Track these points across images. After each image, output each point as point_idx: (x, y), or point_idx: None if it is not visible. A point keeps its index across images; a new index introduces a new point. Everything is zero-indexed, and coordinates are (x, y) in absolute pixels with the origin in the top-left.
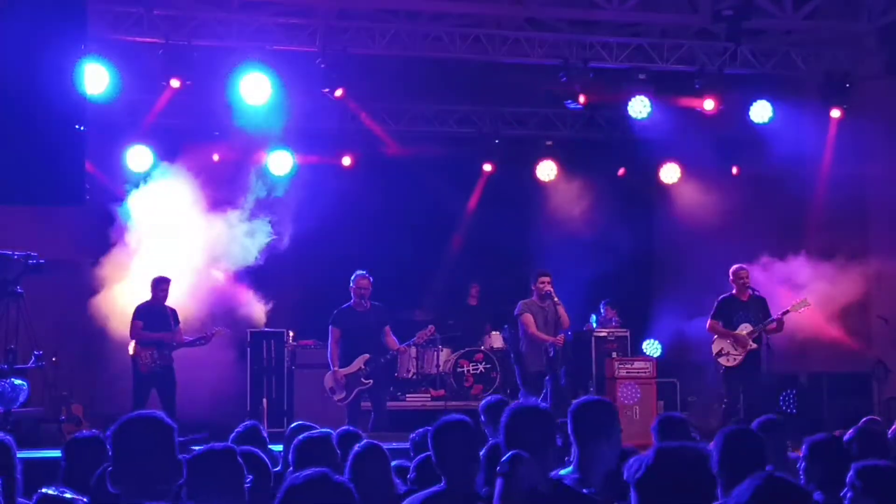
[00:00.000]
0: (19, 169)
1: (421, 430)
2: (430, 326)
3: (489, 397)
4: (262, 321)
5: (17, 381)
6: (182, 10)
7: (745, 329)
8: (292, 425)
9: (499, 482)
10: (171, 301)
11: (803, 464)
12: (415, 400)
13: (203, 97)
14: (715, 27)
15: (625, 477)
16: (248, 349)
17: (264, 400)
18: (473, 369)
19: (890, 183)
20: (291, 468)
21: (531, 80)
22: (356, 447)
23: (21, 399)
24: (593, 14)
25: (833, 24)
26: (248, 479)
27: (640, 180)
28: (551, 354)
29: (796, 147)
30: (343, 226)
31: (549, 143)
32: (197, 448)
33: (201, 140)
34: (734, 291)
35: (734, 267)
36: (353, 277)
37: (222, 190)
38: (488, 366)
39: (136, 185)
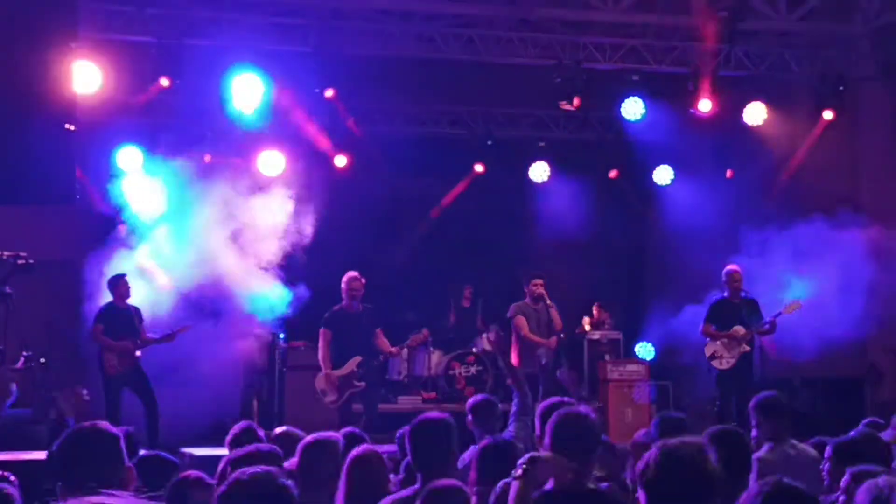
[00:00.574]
0: (8, 168)
1: (406, 427)
2: (423, 330)
3: (476, 396)
4: None
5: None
6: (174, 9)
7: (737, 332)
8: (276, 430)
9: (514, 485)
10: (168, 301)
11: (827, 465)
12: (406, 402)
13: (195, 97)
14: (709, 29)
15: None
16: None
17: (255, 402)
18: (465, 372)
19: (883, 183)
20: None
21: (524, 81)
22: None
23: (10, 400)
24: (587, 15)
25: (827, 27)
26: None
27: (634, 182)
28: (543, 362)
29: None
30: (335, 226)
31: (542, 144)
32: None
33: (193, 140)
34: (726, 294)
35: (727, 268)
36: (345, 278)
37: (214, 189)
38: (480, 368)
39: (127, 185)
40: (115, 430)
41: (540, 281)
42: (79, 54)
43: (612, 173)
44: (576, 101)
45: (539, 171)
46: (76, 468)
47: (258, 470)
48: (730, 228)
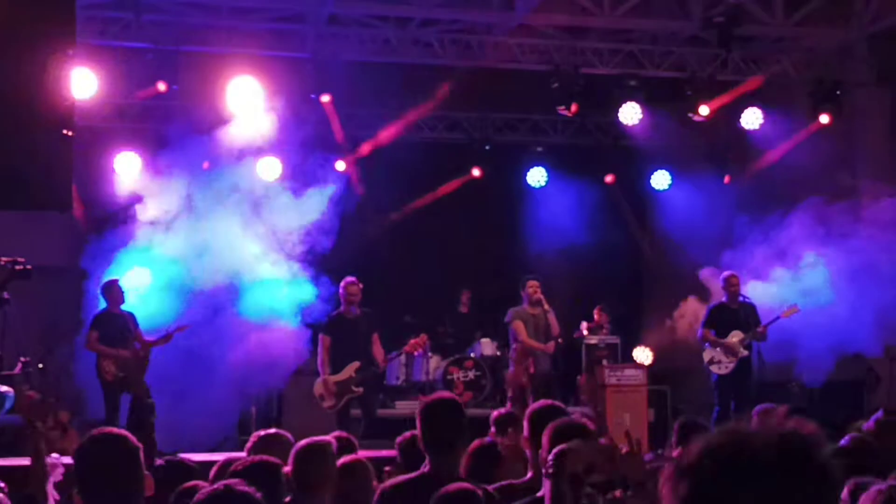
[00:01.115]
0: (5, 173)
1: (408, 433)
2: (422, 335)
3: (500, 409)
4: None
5: (3, 388)
6: (171, 16)
7: (735, 336)
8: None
9: (546, 485)
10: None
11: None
12: (405, 407)
13: (192, 103)
14: (706, 34)
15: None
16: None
17: (253, 408)
18: (464, 376)
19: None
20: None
21: (522, 87)
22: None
23: (6, 406)
24: (584, 20)
25: (823, 32)
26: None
27: (631, 187)
28: (531, 371)
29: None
30: (332, 231)
31: (539, 149)
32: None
33: (190, 146)
34: (725, 299)
35: (725, 273)
36: (342, 284)
37: (212, 196)
38: (478, 373)
39: (125, 192)
40: (135, 439)
41: (536, 284)
42: (76, 61)
43: (608, 178)
44: (573, 107)
45: (537, 176)
46: (95, 476)
47: (214, 487)
48: (727, 233)
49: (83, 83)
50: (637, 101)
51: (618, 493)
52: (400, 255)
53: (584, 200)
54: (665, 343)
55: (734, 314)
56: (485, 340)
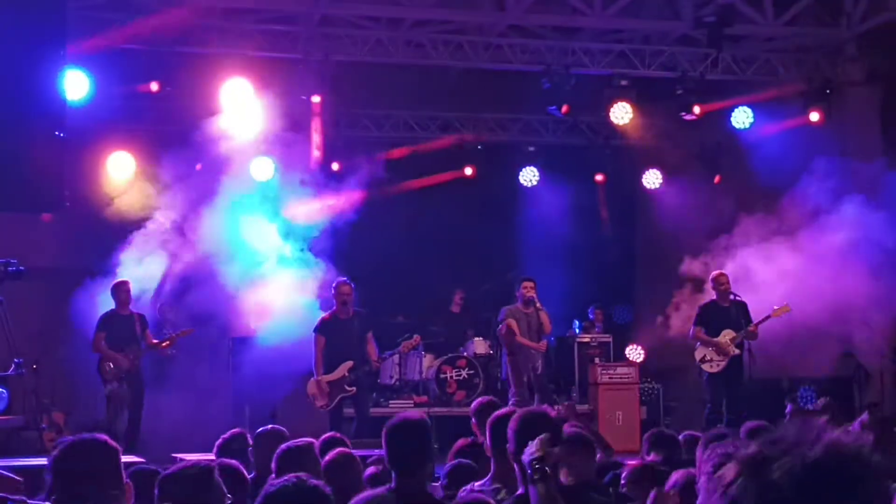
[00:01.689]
0: None
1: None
2: (415, 336)
3: (480, 399)
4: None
5: None
6: (163, 17)
7: (727, 335)
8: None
9: (532, 491)
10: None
11: None
12: (398, 406)
13: (185, 104)
14: (697, 33)
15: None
16: (231, 355)
17: (246, 407)
18: (456, 375)
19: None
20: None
21: (513, 86)
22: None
23: (1, 407)
24: (575, 20)
25: (813, 31)
26: (228, 500)
27: (623, 186)
28: (538, 371)
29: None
30: (327, 232)
31: (531, 148)
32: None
33: (183, 147)
34: (715, 297)
35: (714, 273)
36: (334, 284)
37: (204, 196)
38: (471, 372)
39: (118, 192)
40: (114, 443)
41: (530, 284)
42: (69, 62)
43: (598, 178)
44: (564, 108)
45: (529, 176)
46: (73, 482)
47: (285, 479)
48: (718, 231)
49: (75, 84)
50: (628, 101)
51: None
52: (392, 254)
53: (575, 199)
54: (657, 341)
55: (725, 312)
56: (477, 339)
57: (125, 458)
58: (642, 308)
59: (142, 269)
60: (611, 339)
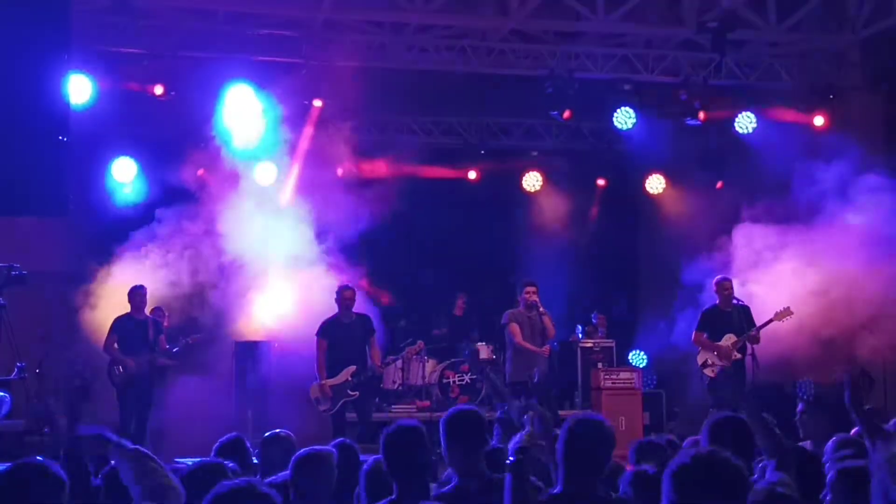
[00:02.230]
0: (2, 179)
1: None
2: (418, 342)
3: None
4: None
5: (0, 393)
6: (167, 21)
7: (729, 339)
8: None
9: (508, 478)
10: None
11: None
12: (400, 411)
13: (188, 108)
14: (700, 38)
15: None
16: (234, 359)
17: (249, 411)
18: (459, 380)
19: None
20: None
21: (516, 91)
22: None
23: (3, 411)
24: (578, 25)
25: (817, 36)
26: None
27: (626, 191)
28: (535, 380)
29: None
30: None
31: (534, 153)
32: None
33: (186, 152)
34: (718, 302)
35: (717, 278)
36: (337, 288)
37: (210, 201)
38: (474, 376)
39: (122, 197)
40: (61, 471)
41: (533, 288)
42: (72, 66)
43: (600, 182)
44: (566, 114)
45: (532, 181)
46: None
47: (237, 482)
48: (722, 236)
49: (79, 88)
50: (631, 106)
51: None
52: (395, 259)
53: (578, 204)
54: (660, 346)
55: (728, 317)
56: (480, 344)
57: None
58: (645, 312)
59: (144, 273)
60: (613, 344)
